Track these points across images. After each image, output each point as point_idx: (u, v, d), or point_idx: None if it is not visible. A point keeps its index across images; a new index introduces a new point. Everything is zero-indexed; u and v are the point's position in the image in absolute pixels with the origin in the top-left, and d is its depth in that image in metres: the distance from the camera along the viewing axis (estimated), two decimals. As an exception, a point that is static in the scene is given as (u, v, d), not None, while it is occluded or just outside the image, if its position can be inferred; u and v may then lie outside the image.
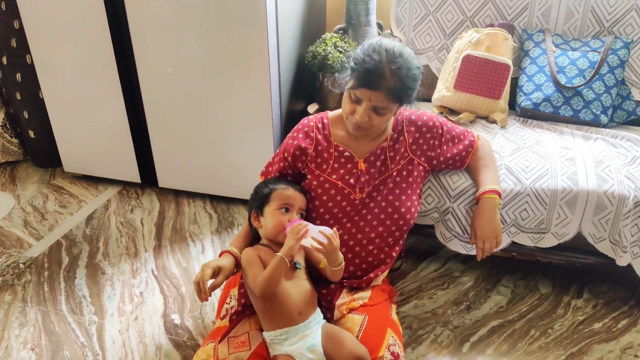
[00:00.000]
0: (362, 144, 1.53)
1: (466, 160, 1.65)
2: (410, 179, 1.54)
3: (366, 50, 1.40)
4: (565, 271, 1.96)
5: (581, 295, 1.88)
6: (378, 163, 1.51)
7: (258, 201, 1.49)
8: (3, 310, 1.82)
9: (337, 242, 1.33)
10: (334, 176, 1.51)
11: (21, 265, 2.03)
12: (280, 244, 1.40)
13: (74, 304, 1.85)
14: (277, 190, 1.47)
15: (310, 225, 1.34)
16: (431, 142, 1.58)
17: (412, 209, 1.53)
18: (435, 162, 1.60)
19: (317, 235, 1.31)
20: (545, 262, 1.84)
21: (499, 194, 1.58)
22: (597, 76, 1.98)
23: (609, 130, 1.97)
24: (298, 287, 1.37)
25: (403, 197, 1.51)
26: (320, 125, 1.57)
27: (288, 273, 1.37)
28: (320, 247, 1.31)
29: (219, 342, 1.34)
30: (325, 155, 1.54)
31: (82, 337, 1.72)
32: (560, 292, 1.89)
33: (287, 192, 1.47)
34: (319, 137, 1.55)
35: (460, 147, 1.63)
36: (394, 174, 1.52)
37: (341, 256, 1.38)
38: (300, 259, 1.42)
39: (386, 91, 1.38)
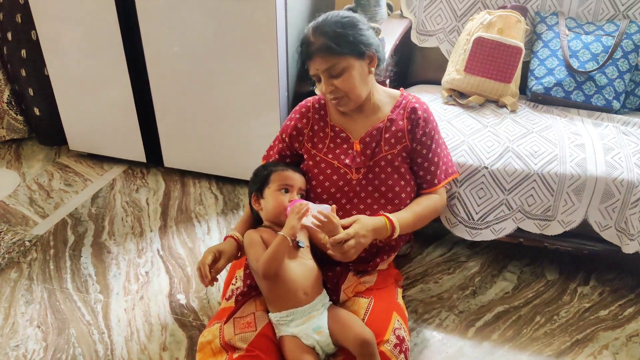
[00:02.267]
0: (359, 123, 1.51)
1: (423, 188, 1.54)
2: (401, 158, 1.51)
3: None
4: (572, 258, 1.95)
5: (588, 282, 1.87)
6: (373, 144, 1.50)
7: (257, 184, 1.48)
8: (9, 288, 1.83)
9: (337, 219, 1.32)
10: (330, 155, 1.50)
11: (27, 243, 2.03)
12: (282, 226, 1.39)
13: (79, 282, 1.86)
14: (276, 172, 1.46)
15: (310, 204, 1.34)
16: (419, 138, 1.51)
17: (408, 189, 1.50)
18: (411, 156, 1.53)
19: (317, 214, 1.30)
20: (552, 249, 1.83)
21: (392, 232, 1.40)
22: (610, 61, 1.94)
23: (621, 117, 1.94)
24: (302, 267, 1.36)
25: (395, 176, 1.49)
26: (317, 106, 1.56)
27: (292, 253, 1.37)
28: (320, 224, 1.30)
29: (225, 323, 1.35)
30: (321, 134, 1.53)
31: (88, 316, 1.72)
32: (566, 279, 1.88)
33: (286, 172, 1.46)
34: (316, 116, 1.54)
35: (431, 168, 1.52)
36: (389, 157, 1.49)
37: (342, 234, 1.35)
38: (303, 239, 1.42)
39: (320, 51, 1.38)
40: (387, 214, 1.42)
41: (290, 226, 1.31)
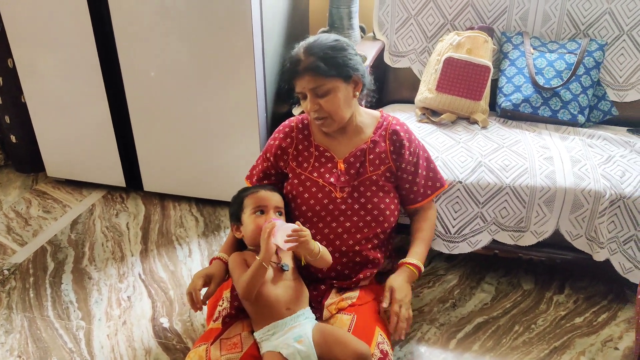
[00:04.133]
0: (342, 144, 1.56)
1: (409, 203, 1.62)
2: (385, 178, 1.56)
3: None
4: (546, 267, 2.01)
5: (562, 290, 1.93)
6: (357, 164, 1.54)
7: (235, 210, 1.50)
8: (-12, 318, 1.80)
9: (306, 233, 1.32)
10: (315, 174, 1.53)
11: (5, 272, 2.01)
12: None
13: (60, 309, 1.84)
14: (248, 195, 1.47)
15: (277, 222, 1.34)
16: (406, 158, 1.58)
17: (392, 206, 1.55)
18: (396, 174, 1.59)
19: (285, 232, 1.31)
20: (526, 259, 1.88)
21: (420, 272, 1.53)
22: (574, 77, 2.04)
23: (586, 130, 2.02)
24: (286, 288, 1.37)
25: (381, 194, 1.53)
26: (300, 126, 1.59)
27: (276, 275, 1.37)
28: (294, 241, 1.30)
29: (212, 344, 1.35)
30: (306, 154, 1.56)
31: (70, 343, 1.71)
32: (542, 288, 1.93)
33: (258, 194, 1.47)
34: (299, 136, 1.58)
35: (422, 182, 1.60)
36: (373, 177, 1.54)
37: (316, 245, 1.36)
38: (287, 261, 1.43)
39: (308, 70, 1.42)
40: (408, 260, 1.52)
41: (263, 250, 1.31)
